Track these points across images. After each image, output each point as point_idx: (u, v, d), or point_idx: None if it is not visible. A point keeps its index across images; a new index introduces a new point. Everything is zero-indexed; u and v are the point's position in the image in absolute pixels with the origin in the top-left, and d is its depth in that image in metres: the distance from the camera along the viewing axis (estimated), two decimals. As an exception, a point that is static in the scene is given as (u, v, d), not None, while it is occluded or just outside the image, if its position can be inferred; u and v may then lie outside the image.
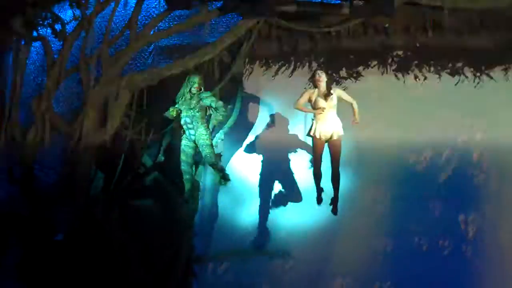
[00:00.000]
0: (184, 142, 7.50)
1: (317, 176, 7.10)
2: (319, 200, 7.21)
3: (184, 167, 7.52)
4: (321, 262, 7.99)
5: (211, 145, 7.40)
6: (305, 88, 7.29)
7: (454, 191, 7.72)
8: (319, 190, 7.19)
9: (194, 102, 7.33)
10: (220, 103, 7.29)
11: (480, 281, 7.41)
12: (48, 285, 7.20)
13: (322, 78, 6.89)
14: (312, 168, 7.16)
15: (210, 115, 7.60)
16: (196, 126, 7.35)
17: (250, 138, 8.25)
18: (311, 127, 6.98)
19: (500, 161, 7.62)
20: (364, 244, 7.81)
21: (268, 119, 8.26)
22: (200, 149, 7.42)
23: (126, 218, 7.53)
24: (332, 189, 7.05)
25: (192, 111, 7.34)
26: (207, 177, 8.11)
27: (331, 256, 7.97)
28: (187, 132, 7.43)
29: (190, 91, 7.34)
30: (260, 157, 8.19)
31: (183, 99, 7.39)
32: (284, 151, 8.17)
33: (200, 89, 7.34)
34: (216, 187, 8.13)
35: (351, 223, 7.81)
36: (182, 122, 7.41)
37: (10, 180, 7.74)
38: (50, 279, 7.20)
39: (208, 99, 7.31)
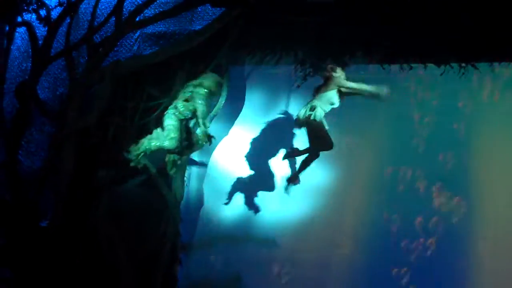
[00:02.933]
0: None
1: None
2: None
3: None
4: (307, 250, 8.06)
5: None
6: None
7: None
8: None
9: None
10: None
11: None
12: (33, 271, 7.23)
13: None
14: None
15: None
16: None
17: (236, 125, 8.25)
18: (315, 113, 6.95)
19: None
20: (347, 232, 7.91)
21: (254, 107, 8.26)
22: None
23: (111, 204, 7.56)
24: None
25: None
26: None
27: (317, 244, 8.05)
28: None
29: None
30: (246, 145, 8.21)
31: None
32: (270, 138, 8.18)
33: None
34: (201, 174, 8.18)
35: (335, 212, 7.91)
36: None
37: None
38: (34, 265, 7.23)
39: None
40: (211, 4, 7.56)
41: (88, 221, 7.49)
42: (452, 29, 7.01)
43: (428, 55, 7.21)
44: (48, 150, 7.66)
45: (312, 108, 6.92)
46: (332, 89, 6.96)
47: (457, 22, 7.01)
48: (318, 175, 7.95)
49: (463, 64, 7.11)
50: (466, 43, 7.05)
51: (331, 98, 6.96)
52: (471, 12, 6.94)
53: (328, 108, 6.98)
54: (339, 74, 7.00)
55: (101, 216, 7.51)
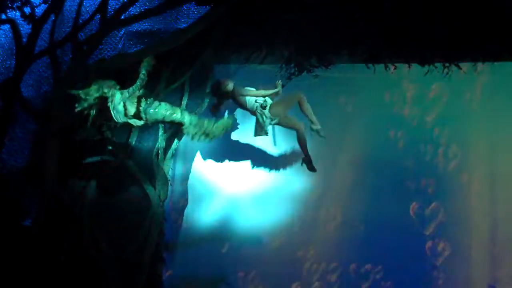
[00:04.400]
0: None
1: None
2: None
3: None
4: (292, 247, 8.09)
5: None
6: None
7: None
8: None
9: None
10: None
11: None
12: (16, 270, 7.18)
13: None
14: None
15: None
16: None
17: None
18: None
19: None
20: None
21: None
22: None
23: (94, 203, 7.53)
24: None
25: None
26: (177, 165, 8.11)
27: (302, 241, 8.08)
28: None
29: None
30: (231, 144, 8.19)
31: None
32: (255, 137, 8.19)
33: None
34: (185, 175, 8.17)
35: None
36: None
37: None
38: (18, 264, 7.17)
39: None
40: (196, 3, 7.59)
41: (72, 220, 7.44)
42: (437, 29, 7.07)
43: (412, 54, 7.27)
44: (32, 149, 7.61)
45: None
46: None
47: (442, 22, 7.07)
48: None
49: (447, 64, 7.17)
50: (450, 42, 7.10)
51: None
52: (455, 12, 7.00)
53: None
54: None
55: (85, 215, 7.47)
